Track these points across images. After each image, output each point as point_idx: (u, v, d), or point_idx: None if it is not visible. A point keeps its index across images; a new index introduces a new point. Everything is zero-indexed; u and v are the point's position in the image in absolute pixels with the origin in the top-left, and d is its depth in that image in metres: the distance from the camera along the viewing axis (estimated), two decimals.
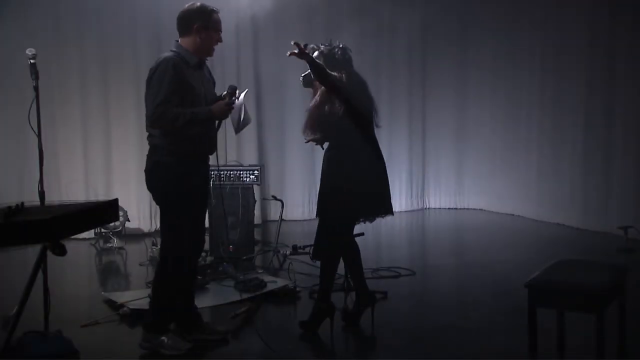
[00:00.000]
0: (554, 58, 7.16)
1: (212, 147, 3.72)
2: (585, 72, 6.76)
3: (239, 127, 3.85)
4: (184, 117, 3.45)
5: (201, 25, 3.57)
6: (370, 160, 3.91)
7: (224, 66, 7.34)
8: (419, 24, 8.22)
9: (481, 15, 8.11)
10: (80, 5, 6.83)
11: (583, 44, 6.76)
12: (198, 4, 3.63)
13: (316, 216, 4.13)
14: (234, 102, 3.65)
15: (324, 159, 4.00)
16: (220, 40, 3.67)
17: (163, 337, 3.57)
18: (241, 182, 5.75)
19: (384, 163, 3.99)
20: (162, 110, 3.42)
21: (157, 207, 3.76)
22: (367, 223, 4.08)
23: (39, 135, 3.66)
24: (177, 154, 3.53)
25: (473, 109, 8.39)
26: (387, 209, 4.03)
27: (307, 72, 3.91)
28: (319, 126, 3.89)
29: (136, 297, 4.34)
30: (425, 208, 8.62)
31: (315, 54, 3.87)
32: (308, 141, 3.97)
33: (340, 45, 3.93)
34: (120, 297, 4.48)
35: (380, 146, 8.42)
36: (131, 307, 4.20)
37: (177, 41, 3.64)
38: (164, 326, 3.62)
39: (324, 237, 3.97)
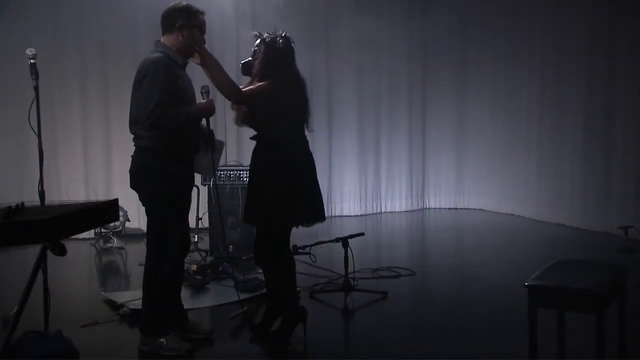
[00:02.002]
0: (554, 58, 7.16)
1: (196, 148, 3.71)
2: (585, 72, 6.76)
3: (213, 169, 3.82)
4: (180, 117, 3.46)
5: (184, 24, 3.55)
6: (301, 162, 3.73)
7: (224, 66, 7.30)
8: (419, 24, 8.22)
9: (481, 16, 8.11)
10: (80, 5, 6.83)
11: (583, 44, 6.76)
12: (184, 3, 3.62)
13: (243, 221, 3.94)
14: (213, 100, 3.67)
15: (252, 157, 3.79)
16: (203, 42, 3.62)
17: (162, 339, 3.57)
18: (241, 182, 5.76)
19: (314, 167, 3.79)
20: (160, 112, 3.39)
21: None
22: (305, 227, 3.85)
23: (39, 135, 3.66)
24: (165, 155, 3.52)
25: (473, 109, 8.40)
26: (320, 215, 3.80)
27: (247, 60, 3.81)
28: (249, 120, 3.73)
29: (136, 297, 4.31)
30: (425, 208, 8.62)
31: (257, 41, 3.75)
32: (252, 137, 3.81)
33: (284, 34, 3.73)
34: (120, 297, 4.48)
35: (381, 146, 8.35)
36: (131, 307, 4.20)
37: (159, 41, 3.61)
38: (160, 328, 3.61)
39: (262, 242, 3.82)
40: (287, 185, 3.62)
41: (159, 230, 3.60)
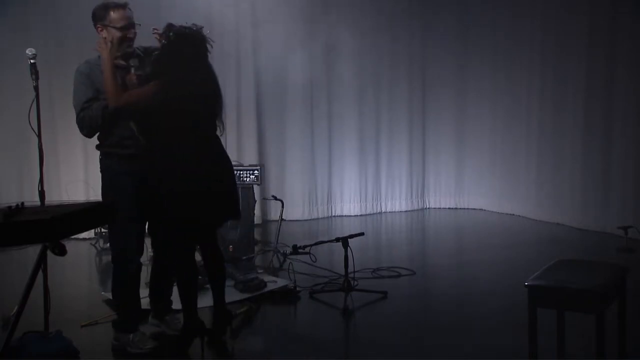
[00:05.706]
0: (554, 58, 7.15)
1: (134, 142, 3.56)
2: (586, 72, 6.75)
3: None
4: (97, 110, 3.47)
5: (101, 24, 3.54)
6: (175, 168, 3.45)
7: (224, 66, 7.32)
8: (419, 24, 8.22)
9: (481, 16, 8.10)
10: (80, 5, 6.82)
11: (583, 44, 6.75)
12: (102, 2, 3.55)
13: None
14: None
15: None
16: (127, 37, 3.52)
17: (130, 335, 3.65)
18: (241, 182, 5.76)
19: (222, 171, 3.62)
20: (82, 116, 3.50)
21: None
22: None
23: (39, 135, 3.66)
24: (107, 155, 3.63)
25: (473, 108, 8.39)
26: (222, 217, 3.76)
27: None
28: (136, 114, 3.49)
29: None
30: (425, 208, 8.62)
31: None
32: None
33: (189, 30, 3.47)
34: None
35: (381, 146, 8.29)
36: None
37: None
38: (129, 324, 3.70)
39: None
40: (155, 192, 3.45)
41: (110, 229, 3.75)
